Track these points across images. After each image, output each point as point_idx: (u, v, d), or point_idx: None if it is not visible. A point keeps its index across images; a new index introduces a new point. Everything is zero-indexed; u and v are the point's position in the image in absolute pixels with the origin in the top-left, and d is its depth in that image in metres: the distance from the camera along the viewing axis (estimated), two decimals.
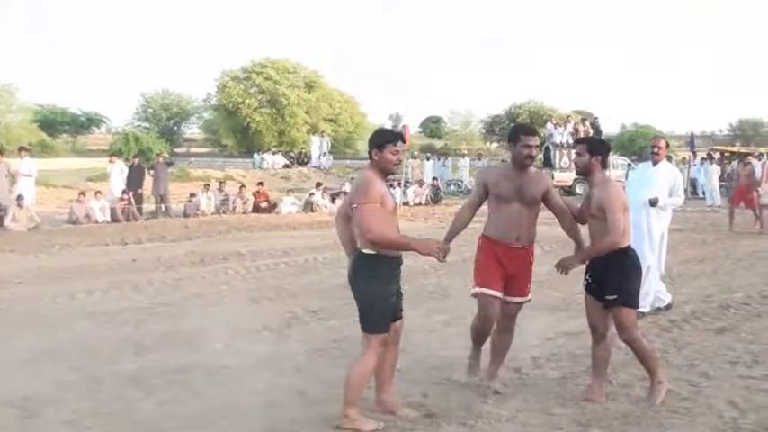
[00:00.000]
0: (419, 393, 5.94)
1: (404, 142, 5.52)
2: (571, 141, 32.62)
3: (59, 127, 61.68)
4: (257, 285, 10.89)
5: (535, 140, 5.88)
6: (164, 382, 6.21)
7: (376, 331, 5.14)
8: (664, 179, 8.70)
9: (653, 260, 8.64)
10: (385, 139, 5.26)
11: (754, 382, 6.29)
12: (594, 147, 5.90)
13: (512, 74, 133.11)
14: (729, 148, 38.24)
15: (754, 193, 18.64)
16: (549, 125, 35.69)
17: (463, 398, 5.86)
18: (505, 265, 5.91)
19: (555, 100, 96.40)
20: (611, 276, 5.63)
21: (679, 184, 8.94)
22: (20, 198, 18.29)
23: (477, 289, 5.91)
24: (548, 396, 5.93)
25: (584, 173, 5.91)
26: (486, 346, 6.29)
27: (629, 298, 5.65)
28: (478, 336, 6.17)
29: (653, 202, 8.49)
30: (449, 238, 5.99)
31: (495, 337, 6.16)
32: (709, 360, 6.97)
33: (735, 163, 30.48)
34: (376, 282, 5.11)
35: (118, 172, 22.05)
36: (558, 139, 33.18)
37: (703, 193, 29.02)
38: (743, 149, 42.59)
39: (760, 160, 24.54)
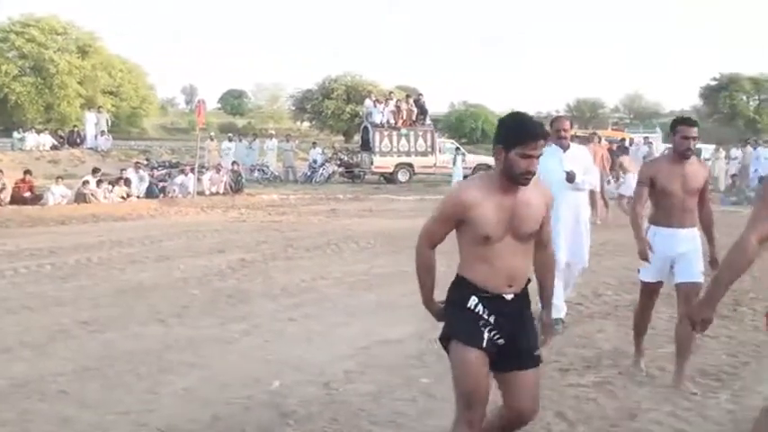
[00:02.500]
0: (209, 415, 5.90)
1: None
2: (392, 121, 33.20)
3: None
4: (14, 293, 10.43)
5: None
6: None
7: None
8: (579, 161, 8.76)
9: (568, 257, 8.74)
10: None
11: (585, 390, 6.63)
12: None
13: (326, 44, 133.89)
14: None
15: None
16: (367, 102, 35.95)
17: (261, 419, 5.87)
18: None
19: (375, 74, 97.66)
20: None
21: (590, 163, 9.17)
22: None
23: None
24: (359, 414, 6.02)
25: None
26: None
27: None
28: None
29: (570, 176, 8.38)
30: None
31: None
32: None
33: None
34: None
35: None
36: (377, 118, 33.47)
37: None
38: (580, 132, 44.69)
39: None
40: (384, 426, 5.80)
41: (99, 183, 24.01)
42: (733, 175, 29.01)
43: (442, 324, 4.42)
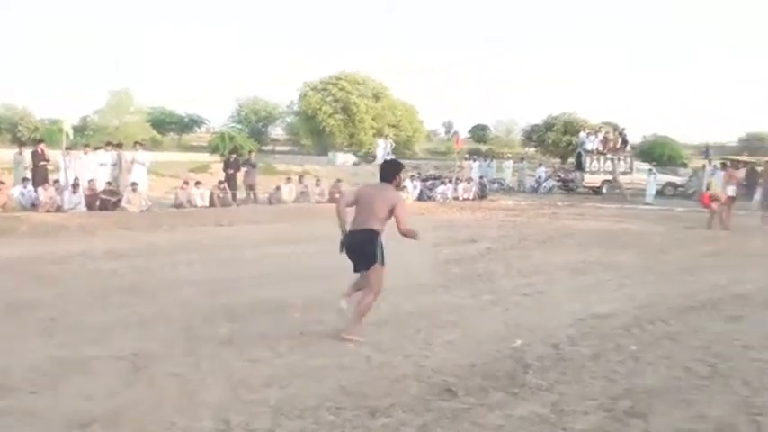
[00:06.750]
0: (468, 362, 5.82)
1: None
2: (601, 149, 32.09)
3: (167, 126, 62.88)
4: (331, 263, 10.75)
5: None
6: (252, 344, 6.17)
7: None
8: None
9: None
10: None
11: (763, 364, 6.03)
12: None
13: (548, 88, 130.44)
14: (739, 158, 36.88)
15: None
16: (581, 134, 35.01)
17: (507, 368, 5.71)
18: None
19: (585, 112, 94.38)
20: None
21: None
22: (134, 184, 18.59)
23: None
24: (582, 370, 5.75)
25: None
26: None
27: None
28: None
29: None
30: None
31: None
32: (722, 343, 6.70)
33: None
34: None
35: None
36: (589, 146, 32.39)
37: None
38: (749, 158, 41.08)
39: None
40: (601, 380, 5.52)
41: None
42: None
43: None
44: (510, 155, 43.06)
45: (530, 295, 8.82)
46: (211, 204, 20.11)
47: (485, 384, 5.30)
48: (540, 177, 33.26)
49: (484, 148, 63.19)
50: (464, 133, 73.61)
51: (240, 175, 22.50)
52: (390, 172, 6.54)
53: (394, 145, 44.65)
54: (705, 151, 30.36)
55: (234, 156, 23.98)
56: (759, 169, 25.93)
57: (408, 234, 6.30)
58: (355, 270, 6.43)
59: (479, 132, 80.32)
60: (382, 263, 6.29)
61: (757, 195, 21.04)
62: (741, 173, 27.89)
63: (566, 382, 5.42)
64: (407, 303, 8.02)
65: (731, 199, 18.08)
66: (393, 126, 53.77)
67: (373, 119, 51.98)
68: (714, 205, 17.70)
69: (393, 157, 41.54)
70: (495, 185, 32.42)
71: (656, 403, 5.02)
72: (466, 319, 7.44)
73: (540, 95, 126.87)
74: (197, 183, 21.01)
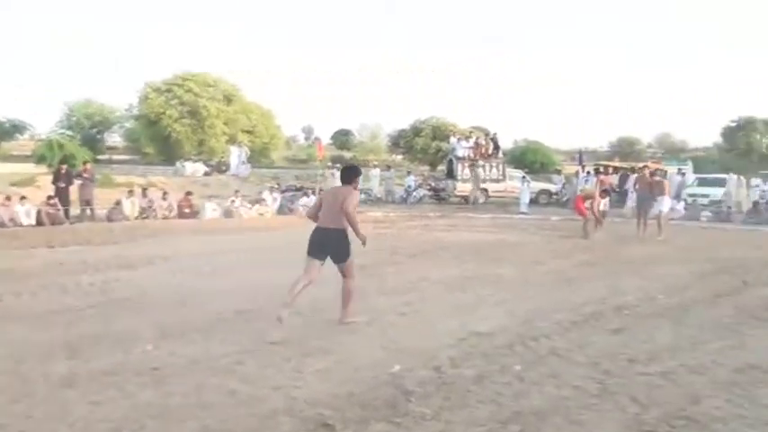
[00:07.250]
0: (345, 392, 5.79)
1: None
2: (472, 155, 33.04)
3: None
4: (184, 287, 10.48)
5: None
6: (96, 383, 5.87)
7: None
8: None
9: None
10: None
11: (652, 378, 6.35)
12: None
13: (415, 91, 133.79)
14: (612, 163, 39.14)
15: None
16: (452, 139, 35.99)
17: (387, 396, 5.72)
18: None
19: (454, 116, 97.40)
20: None
21: None
22: None
23: None
24: (467, 395, 5.84)
25: None
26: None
27: None
28: None
29: None
30: None
31: None
32: (608, 358, 7.02)
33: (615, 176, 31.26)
34: None
35: None
36: (460, 152, 33.32)
37: None
38: (620, 164, 43.75)
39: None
40: (488, 404, 5.62)
41: (245, 202, 24.42)
42: (755, 202, 27.56)
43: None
44: (376, 162, 43.57)
45: (407, 314, 8.90)
46: (39, 223, 19.10)
47: (364, 415, 5.28)
48: (409, 186, 33.82)
49: (348, 155, 63.77)
50: (325, 139, 74.31)
51: (74, 189, 21.51)
52: (349, 175, 8.39)
53: (249, 153, 44.21)
54: (578, 157, 31.97)
55: (65, 166, 22.90)
56: (633, 175, 27.58)
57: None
58: (311, 255, 8.19)
59: (342, 138, 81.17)
60: (350, 255, 8.11)
61: (630, 201, 22.36)
62: (613, 178, 29.68)
63: (450, 409, 5.49)
64: (272, 329, 7.87)
65: (605, 193, 19.23)
66: (248, 132, 53.31)
67: (225, 123, 51.29)
68: (587, 212, 18.62)
69: (248, 165, 41.43)
70: (363, 196, 32.63)
71: (546, 426, 5.17)
72: (339, 343, 7.41)
73: (405, 98, 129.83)
74: (22, 198, 19.96)
